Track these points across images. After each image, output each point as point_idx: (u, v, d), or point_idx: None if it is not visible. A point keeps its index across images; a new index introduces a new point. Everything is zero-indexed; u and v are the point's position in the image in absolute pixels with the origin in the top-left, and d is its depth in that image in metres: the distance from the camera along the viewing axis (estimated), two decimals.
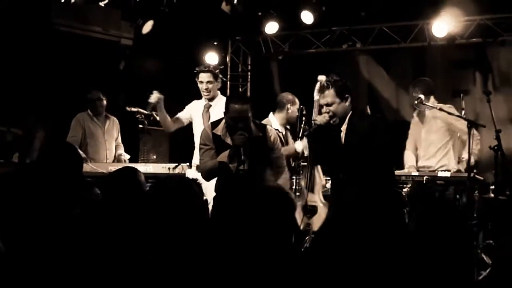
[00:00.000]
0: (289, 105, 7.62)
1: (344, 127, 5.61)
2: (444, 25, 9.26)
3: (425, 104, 7.39)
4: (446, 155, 7.64)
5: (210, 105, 7.23)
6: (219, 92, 7.33)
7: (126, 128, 8.65)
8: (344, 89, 5.59)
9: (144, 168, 7.36)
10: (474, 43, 9.73)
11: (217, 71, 7.25)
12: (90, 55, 9.49)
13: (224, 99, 6.82)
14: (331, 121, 5.58)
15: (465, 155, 7.42)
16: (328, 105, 5.55)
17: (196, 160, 6.90)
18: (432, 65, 10.26)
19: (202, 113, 7.27)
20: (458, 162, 7.65)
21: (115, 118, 8.56)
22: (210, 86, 7.16)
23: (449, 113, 7.26)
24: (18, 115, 8.91)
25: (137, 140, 8.50)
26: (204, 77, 7.19)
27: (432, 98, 7.72)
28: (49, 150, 3.82)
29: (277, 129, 6.99)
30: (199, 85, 7.22)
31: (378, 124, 5.63)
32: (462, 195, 7.28)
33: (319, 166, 7.46)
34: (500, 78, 9.82)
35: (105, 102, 8.45)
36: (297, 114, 7.60)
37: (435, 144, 7.73)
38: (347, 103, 5.59)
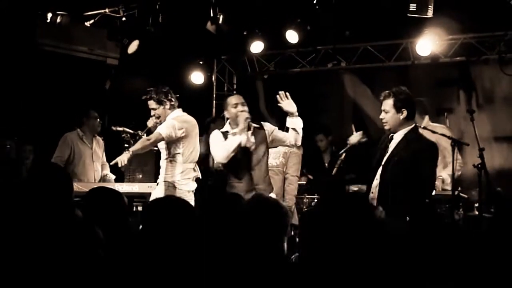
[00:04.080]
0: None
1: (396, 140, 5.83)
2: (428, 44, 9.32)
3: None
4: (438, 172, 7.68)
5: None
6: (170, 111, 7.24)
7: (111, 148, 8.65)
8: (403, 102, 5.80)
9: (130, 187, 7.40)
10: (458, 61, 9.80)
11: (158, 95, 7.19)
12: (76, 74, 9.50)
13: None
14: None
15: (442, 174, 7.52)
16: (384, 111, 5.85)
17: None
18: (416, 84, 10.30)
19: None
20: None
21: (99, 138, 8.56)
22: (156, 112, 7.21)
23: (433, 132, 7.31)
24: (4, 134, 8.91)
25: None
26: (149, 104, 7.27)
27: (426, 118, 7.94)
28: (37, 171, 3.81)
29: None
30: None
31: (431, 150, 5.82)
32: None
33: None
34: (483, 97, 9.91)
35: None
36: None
37: None
38: (402, 116, 5.78)
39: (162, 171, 7.15)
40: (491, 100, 9.85)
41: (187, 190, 7.05)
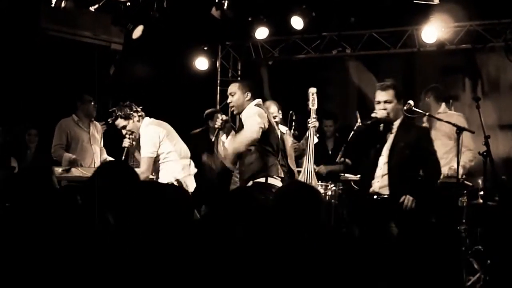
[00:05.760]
0: None
1: (395, 128, 6.05)
2: (433, 31, 9.28)
3: (414, 110, 7.38)
4: (450, 161, 7.64)
5: None
6: (140, 123, 7.19)
7: (115, 133, 8.63)
8: (401, 93, 6.10)
9: None
10: (463, 49, 9.76)
11: (124, 111, 7.15)
12: (80, 59, 9.48)
13: None
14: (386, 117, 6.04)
15: (454, 164, 7.46)
16: (386, 102, 5.99)
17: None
18: (421, 71, 10.29)
19: None
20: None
21: (97, 123, 8.50)
22: (127, 128, 7.17)
23: (438, 119, 7.27)
24: (8, 120, 8.91)
25: None
26: (117, 124, 7.28)
27: (443, 105, 7.93)
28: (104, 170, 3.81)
29: None
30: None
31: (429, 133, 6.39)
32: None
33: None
34: (489, 84, 9.88)
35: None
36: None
37: (439, 150, 7.76)
38: (401, 106, 6.10)
39: (162, 173, 7.07)
40: (496, 88, 9.82)
41: (191, 186, 7.01)
